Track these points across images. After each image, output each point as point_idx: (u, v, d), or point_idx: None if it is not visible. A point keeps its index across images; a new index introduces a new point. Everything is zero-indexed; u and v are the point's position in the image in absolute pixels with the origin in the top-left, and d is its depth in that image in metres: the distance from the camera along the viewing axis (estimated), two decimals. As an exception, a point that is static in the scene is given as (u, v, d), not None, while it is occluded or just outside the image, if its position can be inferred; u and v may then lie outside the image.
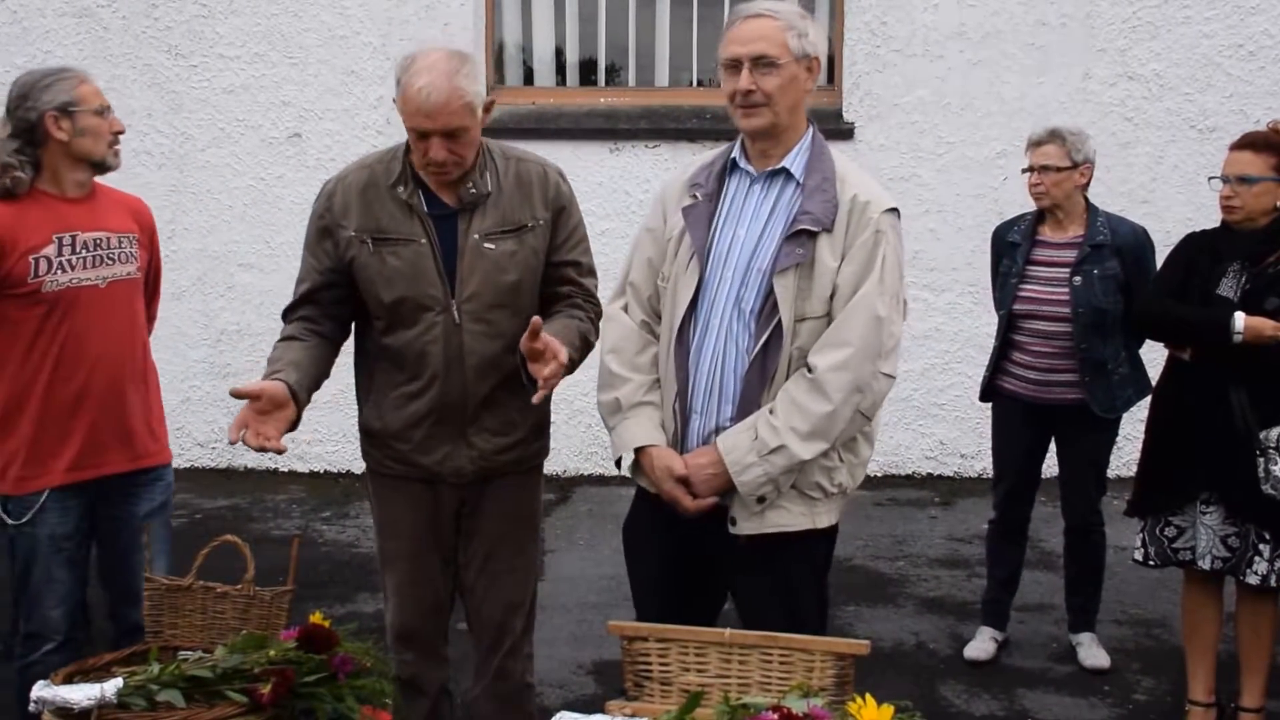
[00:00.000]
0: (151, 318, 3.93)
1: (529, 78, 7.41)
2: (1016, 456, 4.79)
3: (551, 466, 7.19)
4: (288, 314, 3.33)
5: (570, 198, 3.31)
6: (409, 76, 3.02)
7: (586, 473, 7.19)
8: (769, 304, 2.98)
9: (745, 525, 3.05)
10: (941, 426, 7.09)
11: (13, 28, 7.30)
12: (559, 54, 7.35)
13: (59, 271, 3.51)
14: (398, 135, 6.90)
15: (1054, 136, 4.58)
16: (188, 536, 5.35)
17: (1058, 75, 6.77)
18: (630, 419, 3.09)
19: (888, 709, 2.74)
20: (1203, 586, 4.12)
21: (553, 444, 7.38)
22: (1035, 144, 4.62)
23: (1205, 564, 3.98)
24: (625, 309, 3.21)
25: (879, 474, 7.12)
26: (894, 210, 3.05)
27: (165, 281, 4.11)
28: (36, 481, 3.56)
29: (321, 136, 7.12)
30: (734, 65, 3.00)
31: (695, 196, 3.10)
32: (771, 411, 2.97)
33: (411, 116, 3.04)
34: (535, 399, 3.07)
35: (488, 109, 3.14)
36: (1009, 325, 4.63)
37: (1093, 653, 4.78)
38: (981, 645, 4.85)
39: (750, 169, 3.09)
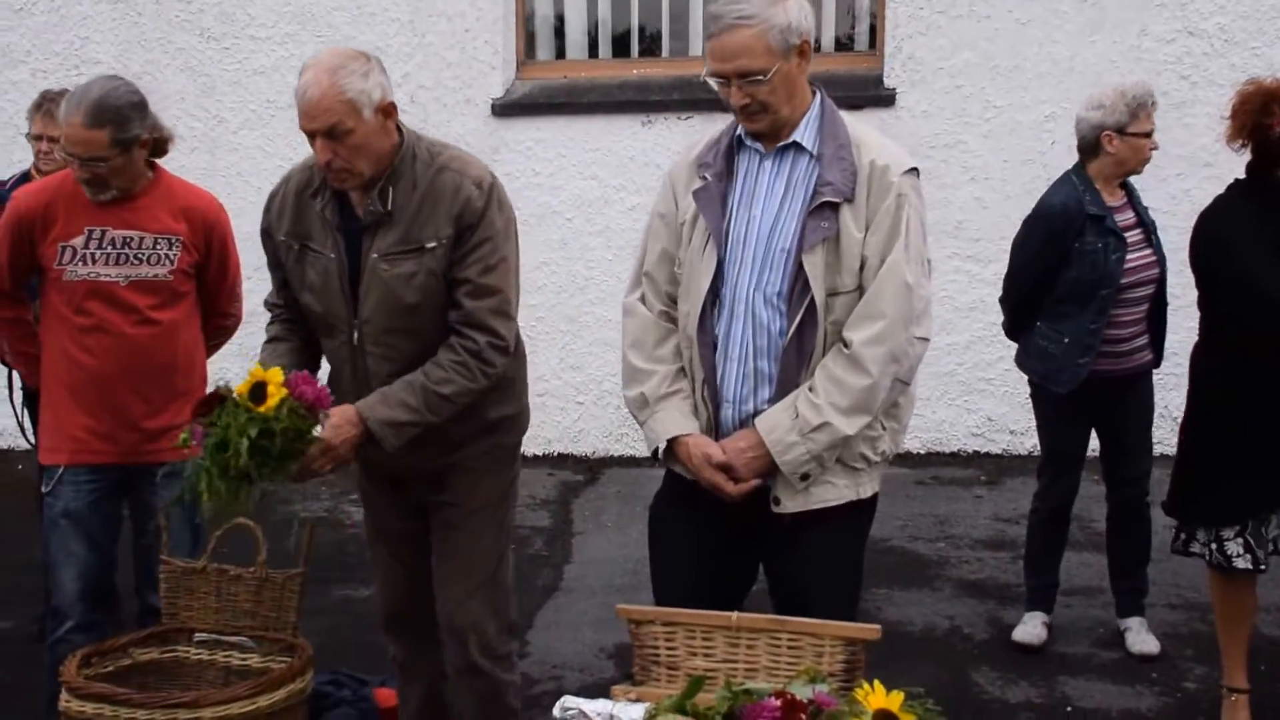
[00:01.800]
0: (222, 313, 4.04)
1: (561, 51, 7.41)
2: (1081, 437, 4.73)
3: (580, 448, 7.36)
4: (270, 304, 3.45)
5: (484, 213, 3.15)
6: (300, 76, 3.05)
7: (616, 454, 7.20)
8: (799, 283, 2.96)
9: (789, 504, 3.05)
10: (989, 402, 7.01)
11: (50, 15, 7.45)
12: (591, 25, 7.34)
13: (80, 263, 3.70)
14: (423, 114, 7.07)
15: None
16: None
17: (1112, 33, 6.64)
18: (660, 411, 3.08)
19: (896, 695, 2.74)
20: (1248, 579, 4.02)
21: (581, 425, 7.40)
22: (1151, 106, 4.53)
23: None
24: (643, 299, 3.17)
25: (921, 451, 7.06)
26: (913, 170, 3.02)
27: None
28: (54, 455, 3.79)
29: (350, 115, 7.18)
30: (720, 78, 2.95)
31: (705, 178, 3.06)
32: (811, 389, 2.97)
33: (299, 118, 3.06)
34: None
35: (386, 111, 3.09)
36: (1113, 302, 4.49)
37: (1142, 638, 4.70)
38: (1033, 629, 4.78)
39: (759, 147, 3.06)
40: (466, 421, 3.28)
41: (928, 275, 3.07)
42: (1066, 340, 4.52)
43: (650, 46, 7.37)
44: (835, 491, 3.07)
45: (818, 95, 3.06)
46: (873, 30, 7.08)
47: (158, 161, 3.85)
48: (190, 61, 7.33)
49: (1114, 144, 4.51)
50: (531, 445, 7.15)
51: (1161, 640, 4.72)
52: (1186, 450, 4.02)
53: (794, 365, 3.00)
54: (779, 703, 2.76)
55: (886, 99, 6.82)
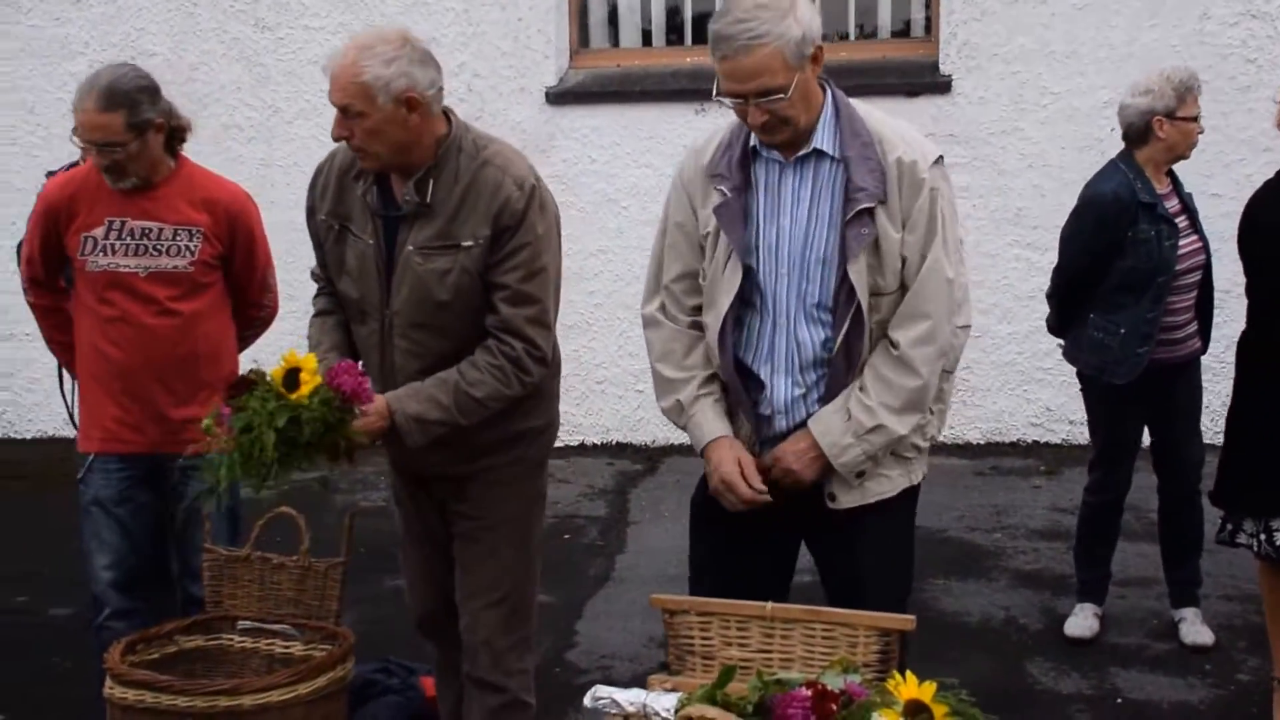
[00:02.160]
0: (253, 304, 4.04)
1: (615, 39, 7.44)
2: (1137, 429, 4.69)
3: (639, 436, 7.41)
4: (316, 276, 3.41)
5: (524, 216, 3.08)
6: None
7: (675, 443, 7.15)
8: (843, 292, 2.94)
9: (845, 499, 3.07)
10: (1048, 391, 6.94)
11: (107, 7, 7.56)
12: (644, 13, 7.37)
13: (100, 254, 3.75)
14: (479, 102, 7.11)
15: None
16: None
17: (1172, 17, 6.57)
18: (696, 414, 3.08)
19: (929, 686, 2.74)
20: None
21: (640, 414, 7.36)
22: (1197, 90, 4.49)
23: None
24: (663, 310, 3.13)
25: (981, 441, 7.04)
26: (939, 159, 2.99)
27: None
28: (86, 443, 3.87)
29: (405, 106, 7.24)
30: (737, 98, 2.86)
31: (724, 192, 2.99)
32: (862, 389, 2.98)
33: None
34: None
35: (409, 103, 3.00)
36: (1168, 289, 4.46)
37: (1195, 629, 4.67)
38: (1084, 622, 4.76)
39: (778, 156, 2.98)
40: (492, 429, 3.22)
41: (962, 261, 3.06)
42: (1123, 331, 4.47)
43: (704, 34, 7.34)
44: (890, 484, 3.10)
45: (828, 92, 2.98)
46: (928, 17, 7.04)
47: (184, 154, 3.89)
48: (245, 52, 7.43)
49: (1164, 129, 4.46)
50: (590, 434, 7.23)
51: (1216, 631, 4.68)
52: (1233, 439, 3.97)
53: (843, 370, 3.00)
54: (809, 693, 2.77)
55: (943, 85, 6.80)
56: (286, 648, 3.53)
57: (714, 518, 3.24)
